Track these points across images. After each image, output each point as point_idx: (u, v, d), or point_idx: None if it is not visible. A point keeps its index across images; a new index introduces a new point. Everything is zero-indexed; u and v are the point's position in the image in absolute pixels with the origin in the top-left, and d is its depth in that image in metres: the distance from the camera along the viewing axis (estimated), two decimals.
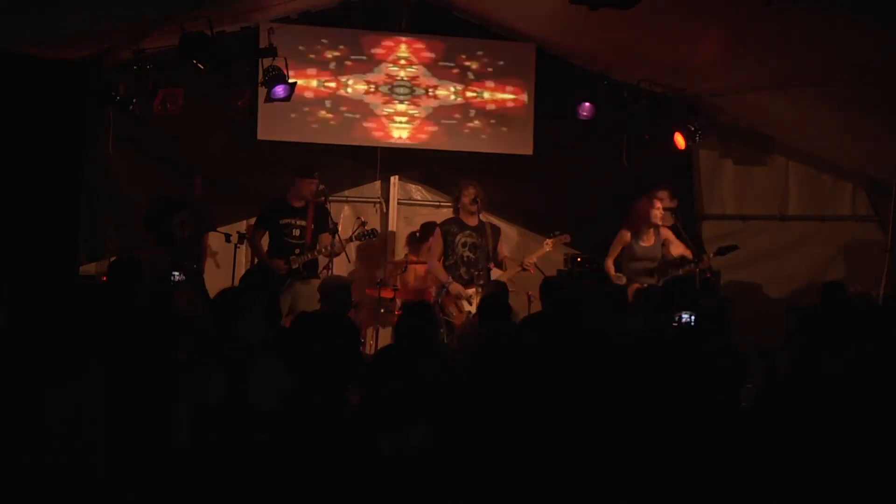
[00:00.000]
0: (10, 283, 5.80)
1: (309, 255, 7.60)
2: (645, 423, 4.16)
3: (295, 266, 7.54)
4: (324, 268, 7.72)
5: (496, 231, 7.84)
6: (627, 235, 7.86)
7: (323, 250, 7.61)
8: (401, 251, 9.15)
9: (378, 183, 9.26)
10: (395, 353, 3.83)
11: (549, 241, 7.87)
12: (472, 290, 7.48)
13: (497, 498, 4.01)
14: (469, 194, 7.62)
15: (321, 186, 7.75)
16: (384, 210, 9.30)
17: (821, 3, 6.09)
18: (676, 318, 4.98)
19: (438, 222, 7.99)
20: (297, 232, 7.65)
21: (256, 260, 8.01)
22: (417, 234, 8.90)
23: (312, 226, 7.69)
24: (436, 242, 7.75)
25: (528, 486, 4.02)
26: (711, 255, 8.04)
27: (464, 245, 7.63)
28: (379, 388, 3.58)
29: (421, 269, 8.61)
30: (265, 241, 7.82)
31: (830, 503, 3.28)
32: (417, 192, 9.46)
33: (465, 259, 7.61)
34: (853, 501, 3.26)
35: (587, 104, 8.86)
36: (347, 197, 9.09)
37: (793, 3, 5.93)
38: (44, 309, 5.54)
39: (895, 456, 3.25)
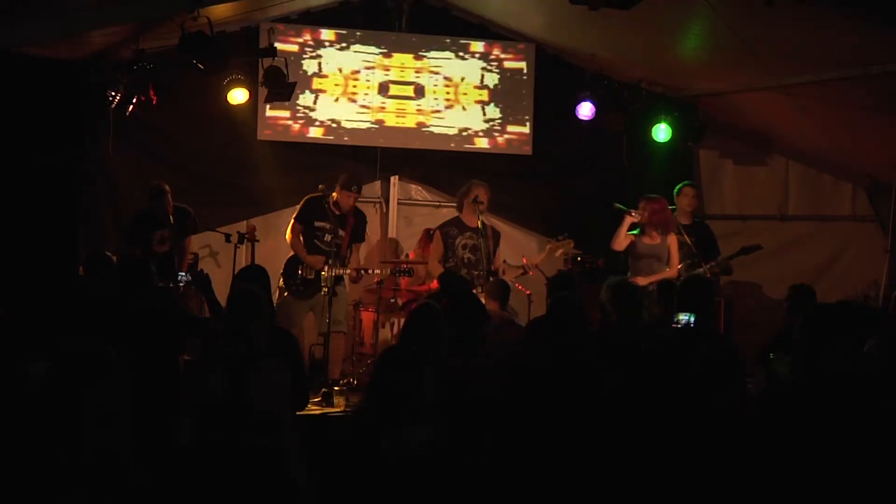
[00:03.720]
0: (10, 282, 5.82)
1: (341, 271, 7.51)
2: (645, 423, 4.16)
3: (327, 275, 7.38)
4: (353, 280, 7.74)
5: (496, 235, 7.86)
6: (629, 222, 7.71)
7: (355, 273, 7.62)
8: (409, 249, 9.11)
9: (378, 183, 9.26)
10: (399, 353, 3.84)
11: (550, 245, 7.86)
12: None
13: (496, 499, 4.01)
14: (478, 193, 7.61)
15: (320, 186, 7.73)
16: (384, 210, 9.30)
17: (821, 3, 6.09)
18: (675, 320, 4.97)
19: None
20: (328, 237, 7.62)
21: (253, 258, 8.00)
22: (432, 231, 8.81)
23: (349, 236, 7.65)
24: (436, 245, 7.76)
25: (528, 486, 4.02)
26: (730, 255, 8.04)
27: (464, 247, 7.64)
28: (382, 388, 3.57)
29: (421, 268, 8.60)
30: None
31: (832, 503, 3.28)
32: (417, 192, 9.46)
33: (466, 261, 7.62)
34: (854, 502, 3.26)
35: (587, 104, 8.86)
36: None
37: (793, 3, 5.93)
38: (47, 307, 5.55)
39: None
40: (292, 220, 7.77)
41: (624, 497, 4.04)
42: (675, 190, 8.27)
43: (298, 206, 7.76)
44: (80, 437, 2.33)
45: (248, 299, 4.14)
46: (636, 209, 7.67)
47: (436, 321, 4.72)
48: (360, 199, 9.12)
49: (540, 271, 8.00)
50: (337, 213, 7.64)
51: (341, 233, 7.64)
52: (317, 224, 7.63)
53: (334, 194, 7.63)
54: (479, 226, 7.63)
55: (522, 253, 8.36)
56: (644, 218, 7.62)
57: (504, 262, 7.89)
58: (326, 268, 7.43)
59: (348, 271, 7.59)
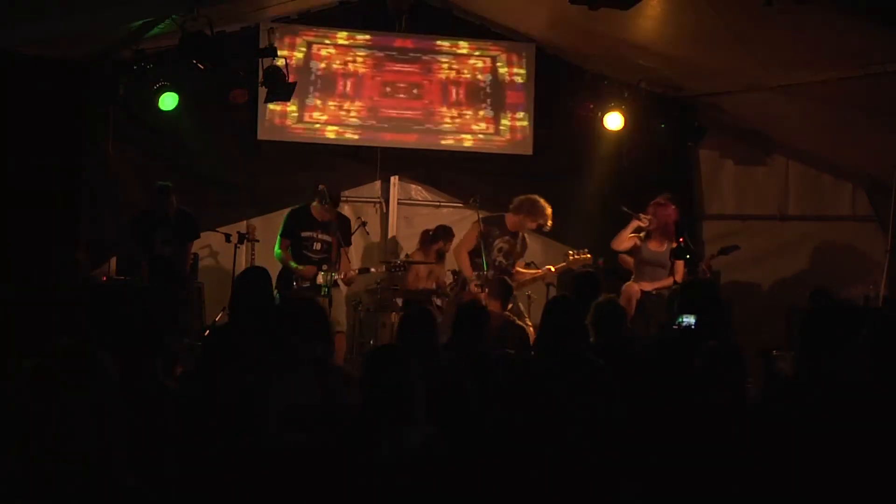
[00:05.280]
0: (10, 282, 5.82)
1: (334, 276, 7.52)
2: (646, 423, 4.16)
3: (321, 282, 7.48)
4: (346, 284, 7.76)
5: (525, 245, 7.87)
6: (627, 283, 7.63)
7: (345, 275, 7.62)
8: (409, 249, 9.11)
9: (378, 183, 9.26)
10: (384, 352, 3.86)
11: (572, 255, 7.83)
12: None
13: (496, 498, 4.01)
14: (548, 219, 7.60)
15: (321, 186, 7.74)
16: (384, 210, 9.30)
17: (821, 3, 6.09)
18: (677, 322, 4.96)
19: (458, 223, 8.05)
20: (318, 246, 7.61)
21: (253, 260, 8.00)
22: (431, 232, 8.81)
23: (336, 241, 7.63)
24: (471, 235, 7.67)
25: (528, 486, 4.02)
26: (712, 255, 8.02)
27: (499, 250, 7.63)
28: (370, 388, 3.58)
29: (423, 269, 8.61)
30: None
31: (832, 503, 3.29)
32: (417, 192, 9.46)
33: (498, 264, 7.61)
34: (855, 502, 3.26)
35: (587, 104, 8.85)
36: (347, 197, 9.06)
37: (793, 3, 5.92)
38: (48, 308, 5.55)
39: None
40: (279, 237, 7.69)
41: (624, 497, 4.04)
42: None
43: (283, 222, 7.72)
44: (70, 434, 2.33)
45: (294, 309, 4.18)
46: (644, 213, 7.65)
47: (426, 323, 4.74)
48: (360, 200, 9.18)
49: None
50: (320, 220, 7.63)
51: (328, 238, 7.64)
52: (304, 234, 7.62)
53: (314, 204, 7.62)
54: (513, 231, 7.68)
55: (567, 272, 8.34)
56: (652, 225, 7.59)
57: (525, 264, 7.94)
58: (321, 275, 7.47)
59: (342, 276, 7.59)
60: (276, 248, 7.69)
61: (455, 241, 8.35)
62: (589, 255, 7.83)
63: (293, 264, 7.53)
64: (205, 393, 3.99)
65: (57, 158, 7.85)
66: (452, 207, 9.30)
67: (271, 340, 4.41)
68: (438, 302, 8.21)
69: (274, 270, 6.97)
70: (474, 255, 7.60)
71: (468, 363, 4.71)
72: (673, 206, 7.70)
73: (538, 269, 8.00)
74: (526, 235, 7.91)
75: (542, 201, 7.68)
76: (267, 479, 3.68)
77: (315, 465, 3.49)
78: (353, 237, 8.35)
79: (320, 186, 7.70)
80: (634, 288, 7.54)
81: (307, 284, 7.53)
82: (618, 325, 5.14)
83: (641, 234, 7.71)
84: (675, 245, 7.57)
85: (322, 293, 7.44)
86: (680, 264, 7.62)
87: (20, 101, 7.55)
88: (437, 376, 4.38)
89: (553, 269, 7.86)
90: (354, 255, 8.62)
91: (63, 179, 7.96)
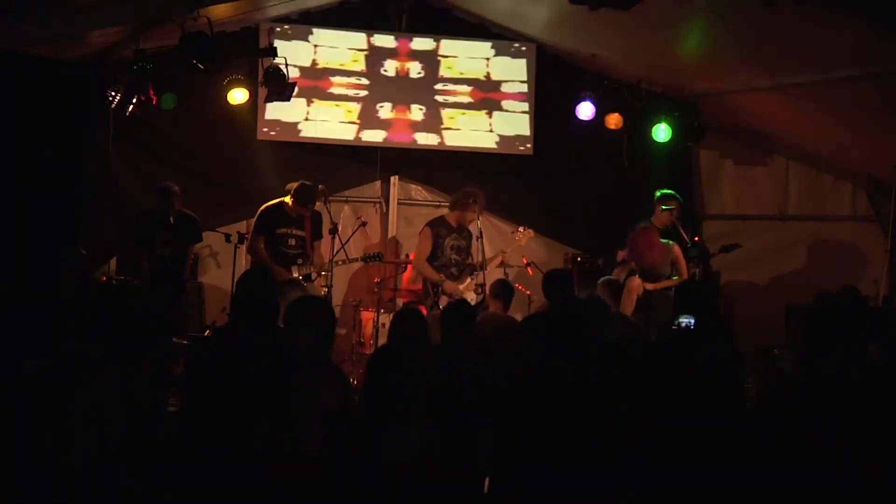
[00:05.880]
0: (10, 281, 5.82)
1: (309, 269, 7.61)
2: (646, 424, 4.16)
3: (296, 275, 7.55)
4: (319, 274, 7.73)
5: (470, 234, 7.96)
6: (630, 277, 7.44)
7: (321, 267, 7.66)
8: (410, 247, 9.10)
9: (378, 183, 9.26)
10: (385, 354, 3.86)
11: (515, 234, 8.07)
12: (464, 284, 7.68)
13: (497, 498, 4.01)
14: (481, 206, 7.76)
15: (320, 186, 7.76)
16: (384, 210, 9.30)
17: (821, 4, 6.09)
18: (676, 322, 4.97)
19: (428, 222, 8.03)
20: (293, 241, 7.69)
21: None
22: None
23: (310, 235, 7.73)
24: (425, 242, 7.80)
25: (529, 487, 4.02)
26: (713, 253, 8.03)
27: (451, 248, 7.77)
28: (375, 390, 3.58)
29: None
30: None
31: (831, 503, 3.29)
32: (417, 192, 9.46)
33: (453, 261, 7.79)
34: (854, 501, 3.26)
35: (587, 104, 8.86)
36: (347, 197, 9.09)
37: (793, 4, 5.93)
38: (47, 308, 5.55)
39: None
40: (251, 233, 7.76)
41: (624, 496, 4.04)
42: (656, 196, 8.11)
43: (256, 219, 7.76)
44: (70, 434, 2.33)
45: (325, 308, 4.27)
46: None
47: (419, 323, 4.76)
48: (360, 200, 9.18)
49: (538, 269, 8.04)
50: (294, 215, 7.69)
51: (303, 233, 7.70)
52: (279, 231, 7.68)
53: (288, 199, 7.66)
54: (458, 225, 7.81)
55: (522, 253, 8.39)
56: (631, 258, 7.54)
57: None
58: (296, 269, 7.56)
59: (313, 271, 7.65)
60: (249, 245, 7.80)
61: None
62: (532, 232, 8.09)
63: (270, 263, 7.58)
64: (210, 392, 3.98)
65: (57, 158, 7.86)
66: (454, 207, 9.29)
67: (279, 340, 4.42)
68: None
69: None
70: (431, 259, 7.74)
71: (467, 363, 4.72)
72: (649, 230, 7.59)
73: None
74: (472, 230, 7.95)
75: (471, 189, 7.86)
76: (275, 479, 3.68)
77: (319, 465, 3.50)
78: (353, 237, 8.36)
79: (320, 186, 7.74)
80: (637, 282, 7.52)
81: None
82: (598, 324, 5.10)
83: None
84: (690, 243, 7.65)
85: (323, 291, 7.47)
86: (684, 265, 7.61)
87: (20, 101, 7.55)
88: (434, 376, 4.38)
89: (508, 252, 8.02)
90: (355, 254, 8.60)
91: (63, 179, 7.96)
